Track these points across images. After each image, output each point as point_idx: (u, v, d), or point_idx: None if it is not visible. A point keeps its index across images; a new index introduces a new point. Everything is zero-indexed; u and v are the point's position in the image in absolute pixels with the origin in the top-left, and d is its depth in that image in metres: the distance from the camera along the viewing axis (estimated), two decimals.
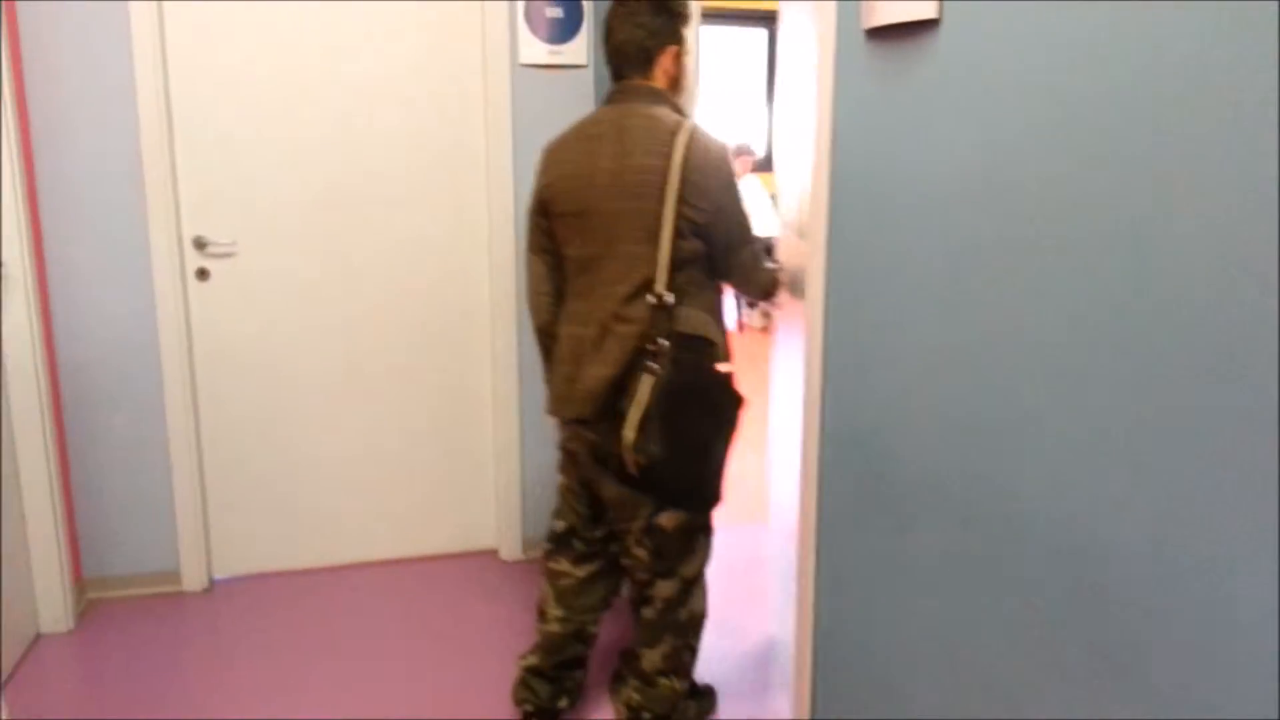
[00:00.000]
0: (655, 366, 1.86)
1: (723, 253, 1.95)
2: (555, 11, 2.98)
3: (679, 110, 2.00)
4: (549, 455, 3.25)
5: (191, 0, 2.80)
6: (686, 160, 1.86)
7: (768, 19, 9.60)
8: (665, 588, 2.07)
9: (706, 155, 1.88)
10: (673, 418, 1.86)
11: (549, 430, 3.23)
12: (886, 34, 1.42)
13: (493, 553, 3.31)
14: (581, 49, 3.03)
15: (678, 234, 1.86)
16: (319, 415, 3.10)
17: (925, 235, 1.35)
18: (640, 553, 2.04)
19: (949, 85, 1.27)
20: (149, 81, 2.74)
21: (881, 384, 1.51)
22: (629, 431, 1.85)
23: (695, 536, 2.06)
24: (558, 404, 2.02)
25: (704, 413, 1.90)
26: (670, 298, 1.88)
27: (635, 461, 1.87)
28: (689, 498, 1.94)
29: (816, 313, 1.69)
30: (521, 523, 3.26)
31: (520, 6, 2.96)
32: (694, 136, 1.88)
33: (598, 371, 1.92)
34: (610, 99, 2.00)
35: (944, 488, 1.33)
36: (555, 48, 3.01)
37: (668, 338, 1.87)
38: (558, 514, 2.20)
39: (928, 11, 1.28)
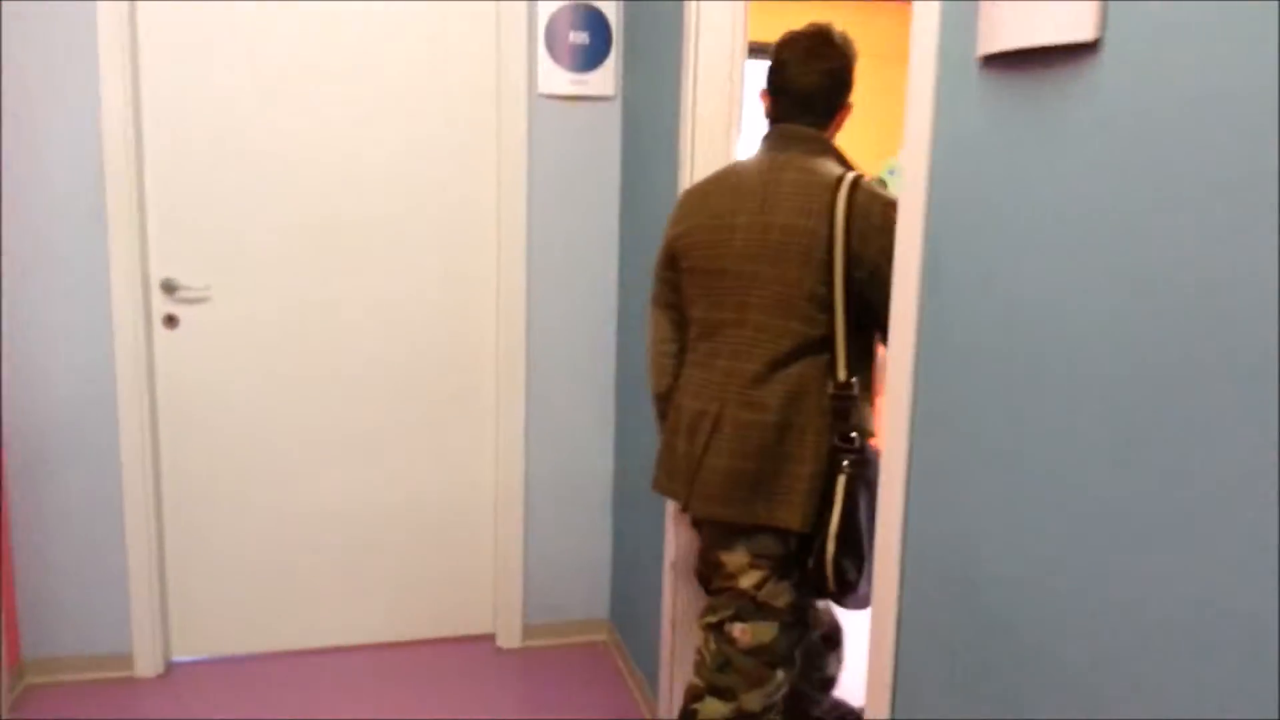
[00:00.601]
0: (848, 464, 1.68)
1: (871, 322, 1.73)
2: (580, 37, 2.65)
3: (848, 164, 1.78)
4: (556, 530, 2.89)
5: (167, 17, 2.49)
6: (849, 223, 1.65)
7: None
8: (712, 708, 1.81)
9: (868, 216, 1.66)
10: (868, 522, 1.70)
11: (559, 503, 2.87)
12: (1014, 62, 1.06)
13: (489, 638, 2.94)
14: (609, 78, 2.69)
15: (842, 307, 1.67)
16: (295, 480, 2.75)
17: (1057, 329, 0.99)
18: (710, 650, 1.82)
19: (1105, 134, 0.91)
20: (116, 104, 2.42)
21: (987, 525, 1.13)
22: (830, 545, 1.67)
23: (777, 663, 1.79)
24: (670, 481, 1.84)
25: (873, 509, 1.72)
26: (855, 388, 1.69)
27: (831, 581, 1.70)
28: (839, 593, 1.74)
29: (899, 421, 1.31)
30: (523, 605, 2.90)
31: (541, 29, 2.64)
32: (857, 192, 1.67)
33: (716, 463, 1.73)
34: (766, 144, 1.80)
35: (1066, 666, 0.96)
36: (579, 76, 2.68)
37: (860, 432, 1.69)
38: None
39: (1083, 32, 0.92)
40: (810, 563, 1.70)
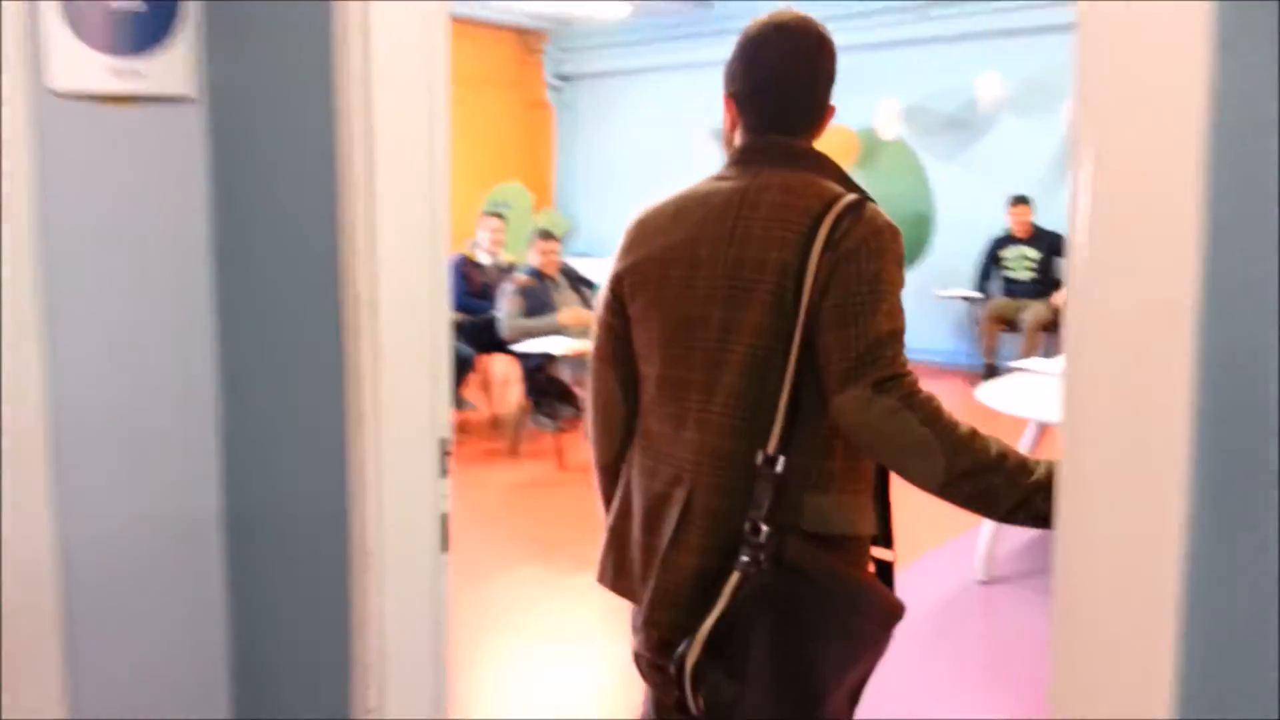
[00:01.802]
0: (748, 560, 1.32)
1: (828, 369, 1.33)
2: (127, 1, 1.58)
3: (849, 184, 1.42)
4: (122, 622, 1.73)
5: None
6: (824, 253, 1.31)
7: None
8: None
9: (858, 244, 1.32)
10: (771, 640, 1.31)
11: (127, 581, 1.72)
12: None
13: None
14: (178, 67, 1.63)
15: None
16: None
17: None
18: None
19: None
20: None
21: None
22: (693, 650, 1.31)
23: None
24: (634, 587, 1.47)
25: (823, 636, 1.34)
26: (780, 466, 1.32)
27: (696, 700, 1.32)
28: None
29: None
30: None
31: None
32: (850, 218, 1.33)
33: (690, 562, 1.39)
34: (739, 160, 1.47)
35: None
36: (128, 63, 1.59)
37: (774, 524, 1.31)
38: None
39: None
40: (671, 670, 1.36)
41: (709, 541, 1.38)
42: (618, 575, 1.52)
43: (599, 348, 1.56)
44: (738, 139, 1.51)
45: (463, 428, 6.21)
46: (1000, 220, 7.61)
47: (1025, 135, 7.69)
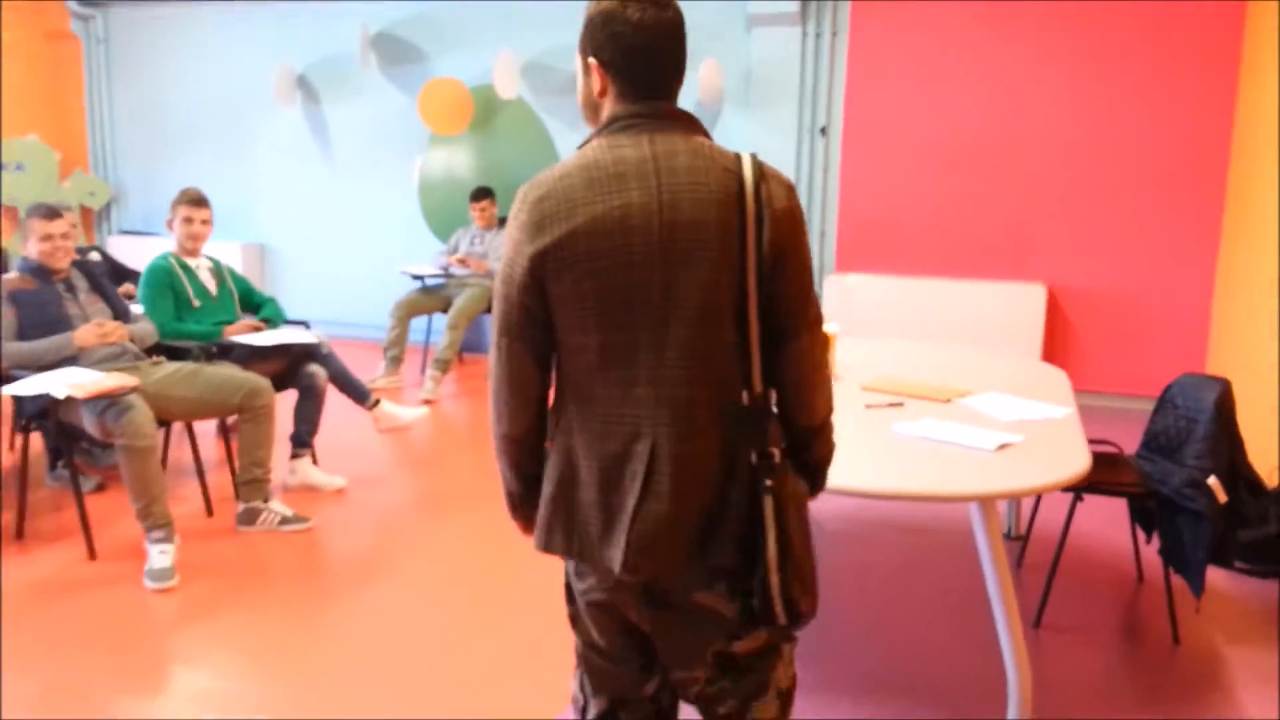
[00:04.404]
0: (773, 485, 1.51)
1: (784, 327, 1.56)
2: None
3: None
4: None
5: None
6: (759, 210, 1.50)
7: None
8: (767, 709, 1.68)
9: (774, 200, 1.52)
10: (803, 540, 1.54)
11: None
12: None
13: None
14: None
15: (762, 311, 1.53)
16: None
17: None
18: (720, 687, 1.65)
19: None
20: None
21: None
22: (772, 573, 1.51)
23: (781, 645, 1.68)
24: (587, 547, 1.56)
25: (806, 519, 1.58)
26: (773, 400, 1.58)
27: (777, 612, 1.53)
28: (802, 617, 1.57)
29: None
30: None
31: None
32: (763, 174, 1.53)
33: (662, 508, 1.51)
34: (632, 127, 1.54)
35: None
36: None
37: (772, 444, 1.54)
38: (588, 692, 1.75)
39: None
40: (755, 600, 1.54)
41: (682, 486, 1.51)
42: (568, 539, 1.58)
43: (514, 328, 1.57)
44: (610, 106, 1.58)
45: None
46: None
47: None
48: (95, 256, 5.51)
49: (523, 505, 1.69)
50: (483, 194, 6.72)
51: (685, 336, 1.51)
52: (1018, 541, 3.90)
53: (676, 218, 1.49)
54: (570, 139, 7.19)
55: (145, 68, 8.20)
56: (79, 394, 3.34)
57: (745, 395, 1.54)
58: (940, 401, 3.18)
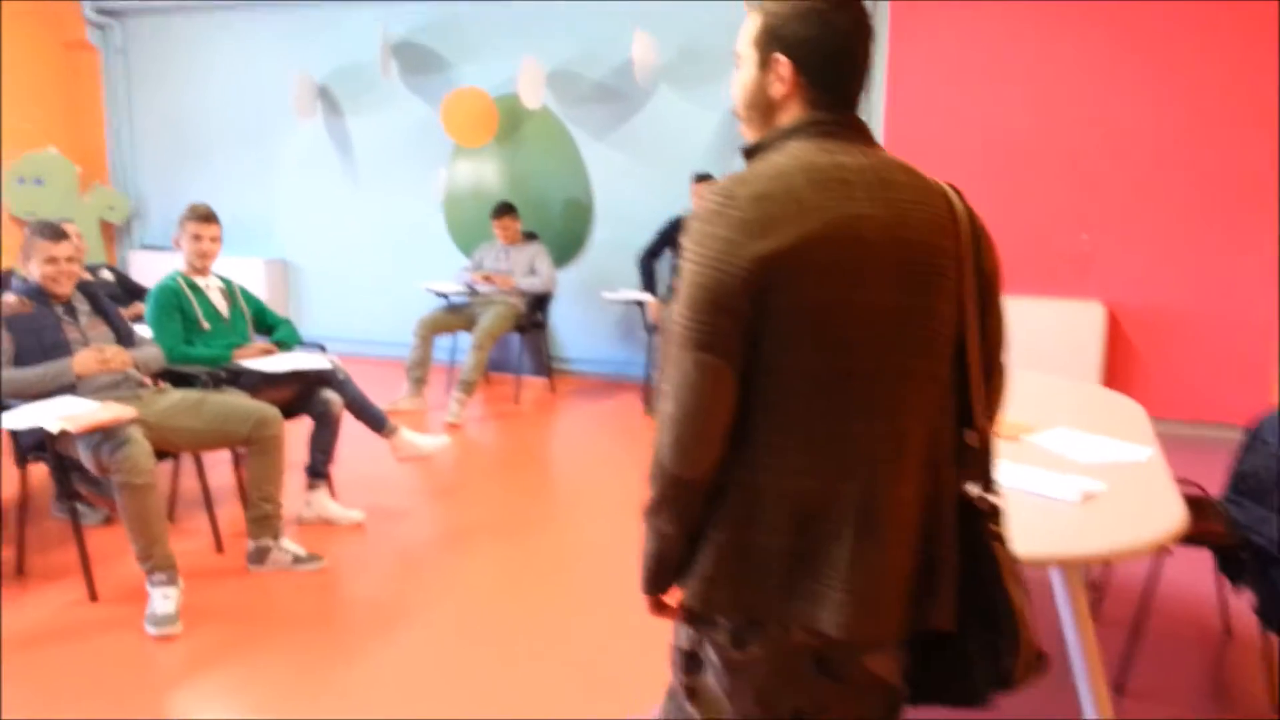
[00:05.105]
0: (997, 530, 1.44)
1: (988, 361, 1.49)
2: None
3: None
4: None
5: None
6: (976, 235, 1.44)
7: None
8: None
9: (983, 230, 1.46)
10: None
11: None
12: None
13: None
14: None
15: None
16: None
17: None
18: None
19: None
20: None
21: None
22: (1025, 632, 1.42)
23: None
24: (765, 603, 1.37)
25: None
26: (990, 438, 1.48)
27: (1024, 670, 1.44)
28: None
29: None
30: None
31: None
32: (960, 198, 1.45)
33: (882, 559, 1.35)
34: (829, 134, 1.41)
35: None
36: None
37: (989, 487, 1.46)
38: None
39: None
40: (979, 668, 1.44)
41: (898, 533, 1.37)
42: (736, 592, 1.38)
43: (719, 341, 1.33)
44: (795, 110, 1.44)
45: None
46: (669, 209, 6.58)
47: (684, 108, 6.70)
48: (106, 275, 5.31)
49: (673, 569, 1.44)
50: (505, 210, 6.47)
51: (907, 366, 1.39)
52: (1091, 591, 3.58)
53: (907, 236, 1.37)
54: (598, 150, 6.94)
55: (165, 78, 8.04)
56: (72, 427, 3.11)
57: (966, 433, 1.47)
58: (1007, 439, 2.89)
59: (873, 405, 1.37)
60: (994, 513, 1.45)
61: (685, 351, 1.36)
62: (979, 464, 1.47)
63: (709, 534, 1.41)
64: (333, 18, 7.42)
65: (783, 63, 1.42)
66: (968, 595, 1.43)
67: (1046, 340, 5.72)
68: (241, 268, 7.57)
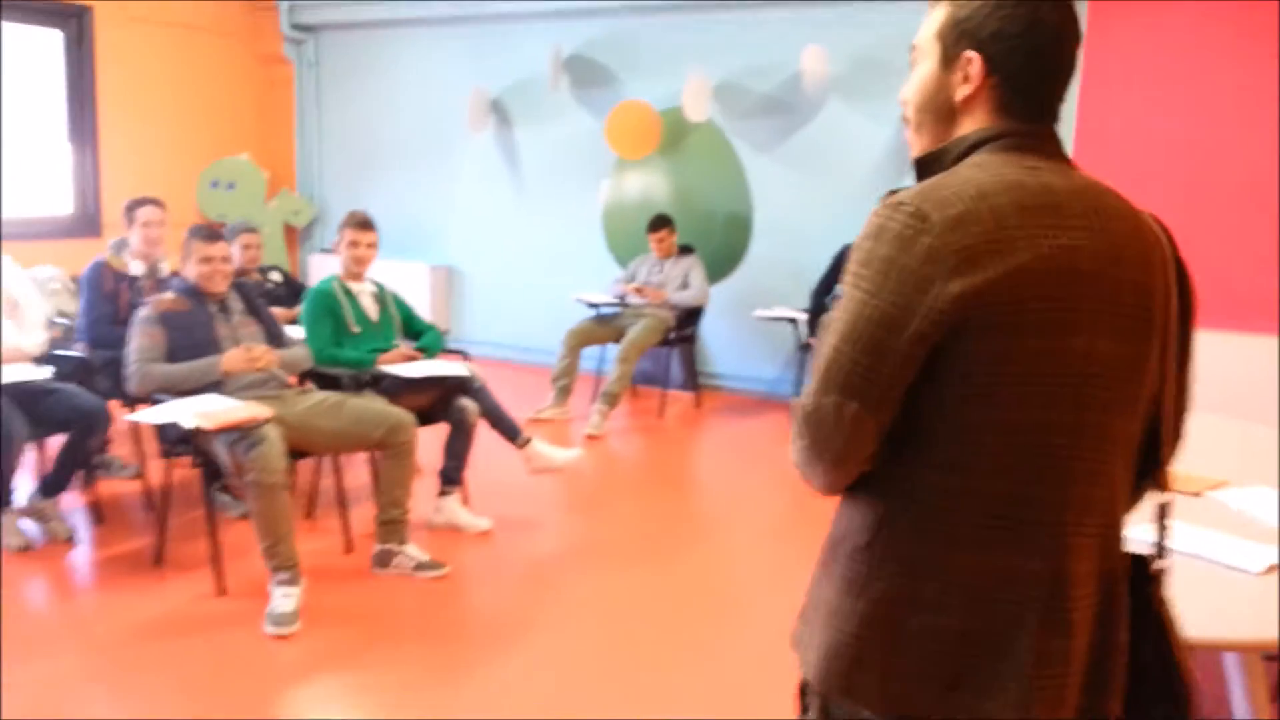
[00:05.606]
0: (1164, 598, 1.29)
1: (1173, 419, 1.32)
2: None
3: None
4: None
5: None
6: (1183, 278, 1.27)
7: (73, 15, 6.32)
8: None
9: (1184, 268, 1.28)
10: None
11: None
12: None
13: None
14: None
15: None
16: None
17: None
18: None
19: None
20: None
21: None
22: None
23: None
24: (922, 695, 1.17)
25: None
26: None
27: None
28: None
29: None
30: None
31: None
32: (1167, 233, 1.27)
33: (1066, 645, 1.17)
34: (1029, 148, 1.21)
35: None
36: None
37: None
38: None
39: None
40: None
41: (1087, 614, 1.20)
42: (886, 680, 1.19)
43: (873, 390, 1.15)
44: (982, 116, 1.23)
45: (101, 511, 4.29)
46: (831, 226, 6.31)
47: (855, 121, 6.42)
48: (275, 276, 5.53)
49: None
50: (661, 223, 6.36)
51: (1111, 427, 1.21)
52: (1270, 663, 3.11)
53: (1122, 274, 1.18)
54: (762, 164, 6.75)
55: (352, 91, 8.39)
56: (207, 425, 3.18)
57: (1149, 492, 1.33)
58: (1186, 494, 2.52)
59: (1069, 471, 1.18)
60: (1161, 577, 1.31)
61: (828, 392, 1.17)
62: (1163, 529, 1.32)
63: (852, 601, 1.22)
64: (510, 34, 7.55)
65: (973, 60, 1.22)
66: (1137, 672, 1.27)
67: (1218, 377, 5.11)
68: (408, 272, 7.78)
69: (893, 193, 1.18)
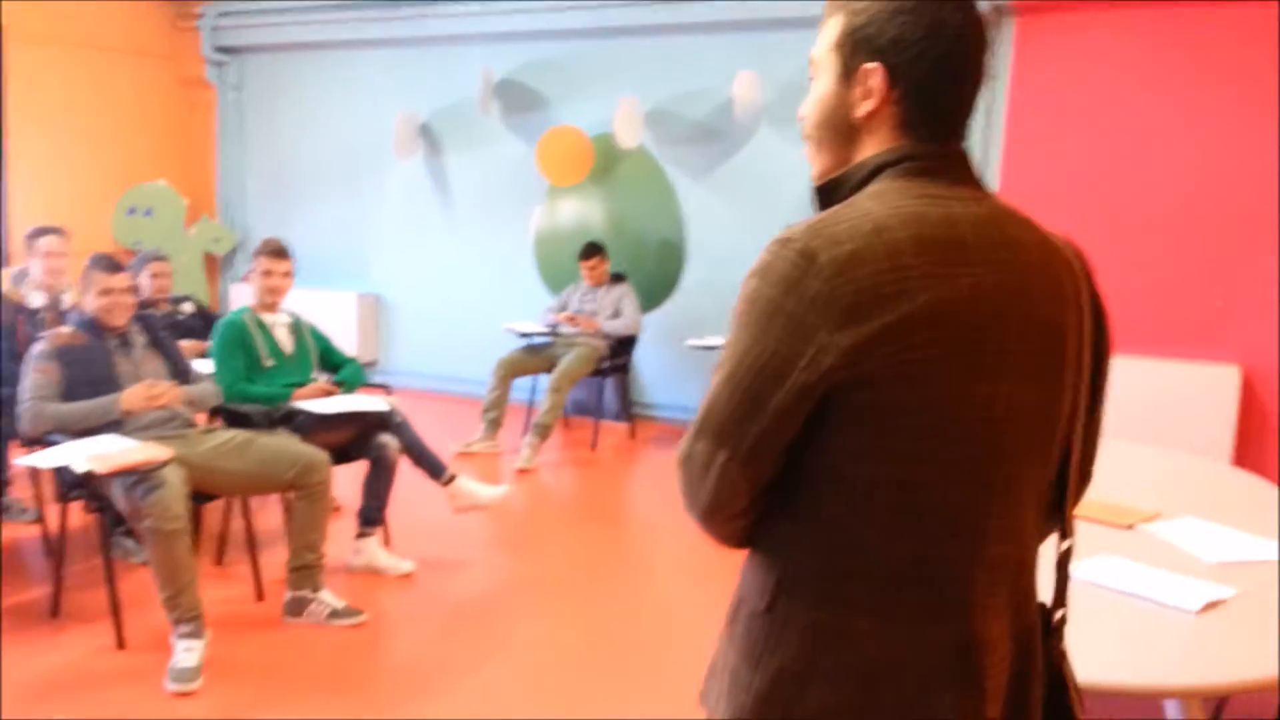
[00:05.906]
0: (1064, 648, 1.23)
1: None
2: None
3: None
4: None
5: None
6: (1098, 311, 1.19)
7: None
8: None
9: (1099, 298, 1.20)
10: None
11: None
12: None
13: None
14: None
15: None
16: None
17: None
18: None
19: None
20: None
21: None
22: None
23: None
24: None
25: None
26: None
27: None
28: None
29: None
30: None
31: None
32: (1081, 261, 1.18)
33: (981, 712, 1.10)
34: (930, 172, 1.11)
35: None
36: None
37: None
38: None
39: None
40: None
41: (1000, 678, 1.12)
42: None
43: (747, 443, 1.06)
44: (886, 136, 1.13)
45: None
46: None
47: (786, 149, 6.40)
48: (188, 307, 5.30)
49: None
50: (592, 251, 6.26)
51: (1020, 476, 1.12)
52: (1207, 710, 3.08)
53: (1031, 311, 1.09)
54: (694, 190, 6.69)
55: (276, 115, 8.17)
56: (100, 468, 2.98)
57: (1059, 543, 1.24)
58: (1119, 527, 2.47)
59: (977, 528, 1.10)
60: (1061, 629, 1.24)
61: (700, 438, 1.09)
62: (1064, 576, 1.23)
63: (749, 673, 1.13)
64: (440, 58, 7.41)
65: (874, 71, 1.13)
66: None
67: (1172, 407, 5.15)
68: (335, 301, 7.58)
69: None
